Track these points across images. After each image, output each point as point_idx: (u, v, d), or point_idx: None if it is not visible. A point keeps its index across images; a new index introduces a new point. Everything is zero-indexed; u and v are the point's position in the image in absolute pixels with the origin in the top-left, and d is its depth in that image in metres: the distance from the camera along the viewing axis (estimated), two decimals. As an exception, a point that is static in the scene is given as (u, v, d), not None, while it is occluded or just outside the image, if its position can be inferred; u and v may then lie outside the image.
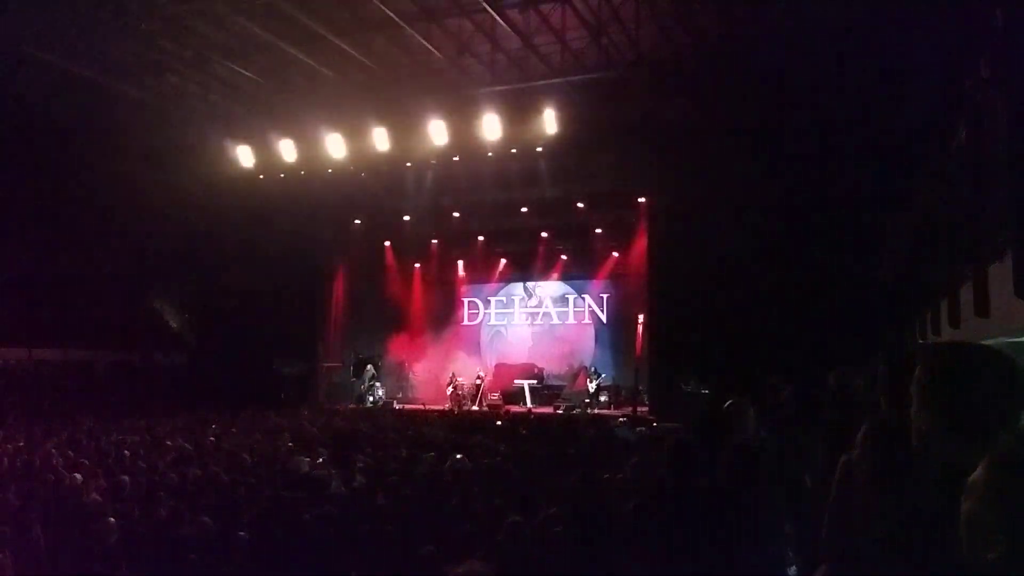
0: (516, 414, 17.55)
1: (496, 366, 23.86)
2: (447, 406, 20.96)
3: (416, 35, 15.15)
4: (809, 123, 14.10)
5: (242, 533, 5.36)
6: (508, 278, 24.99)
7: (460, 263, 25.34)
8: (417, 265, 25.41)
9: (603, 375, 21.04)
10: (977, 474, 1.39)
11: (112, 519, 5.67)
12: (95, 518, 5.70)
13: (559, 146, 17.65)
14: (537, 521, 5.21)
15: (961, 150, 6.46)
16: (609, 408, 19.92)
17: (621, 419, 16.48)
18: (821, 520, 2.39)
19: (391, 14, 14.21)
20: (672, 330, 17.30)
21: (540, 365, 23.13)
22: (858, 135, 13.02)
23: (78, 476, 8.02)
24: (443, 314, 25.27)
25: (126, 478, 7.69)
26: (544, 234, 23.30)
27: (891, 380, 2.53)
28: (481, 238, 24.20)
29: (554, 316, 24.39)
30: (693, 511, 3.57)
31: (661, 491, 3.94)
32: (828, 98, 13.20)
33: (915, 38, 9.97)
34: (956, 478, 1.66)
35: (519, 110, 16.75)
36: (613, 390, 20.97)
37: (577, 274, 23.89)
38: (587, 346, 23.45)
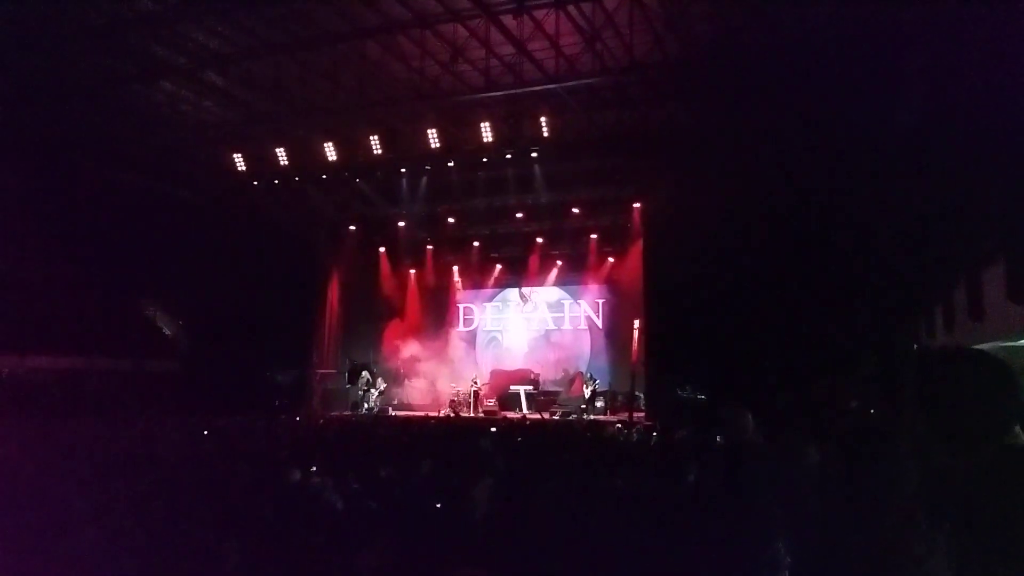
0: (512, 420, 17.51)
1: (492, 372, 23.81)
2: (443, 412, 20.92)
3: (410, 41, 15.16)
4: (803, 128, 14.13)
5: (233, 541, 5.31)
6: (503, 283, 24.96)
7: (455, 268, 25.31)
8: (412, 271, 25.37)
9: (598, 380, 21.01)
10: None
11: (99, 528, 5.62)
12: (84, 526, 5.65)
13: (554, 151, 17.67)
14: (531, 526, 5.18)
15: (955, 156, 6.48)
16: (605, 414, 19.89)
17: (618, 424, 16.48)
18: (813, 523, 2.37)
19: (385, 20, 14.21)
20: (668, 335, 17.32)
21: (536, 371, 23.08)
22: (852, 140, 13.05)
23: (69, 483, 7.96)
24: (438, 320, 25.22)
25: (118, 485, 7.63)
26: (539, 239, 23.31)
27: (885, 384, 2.51)
28: (476, 243, 24.19)
29: (550, 321, 24.35)
30: (685, 513, 3.55)
31: (652, 492, 3.92)
32: (821, 103, 13.22)
33: (908, 43, 10.01)
34: (951, 481, 1.64)
35: (513, 115, 16.78)
36: (609, 395, 20.95)
37: (573, 279, 23.87)
38: (583, 352, 23.43)
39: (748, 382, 12.73)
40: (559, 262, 23.76)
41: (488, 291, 25.24)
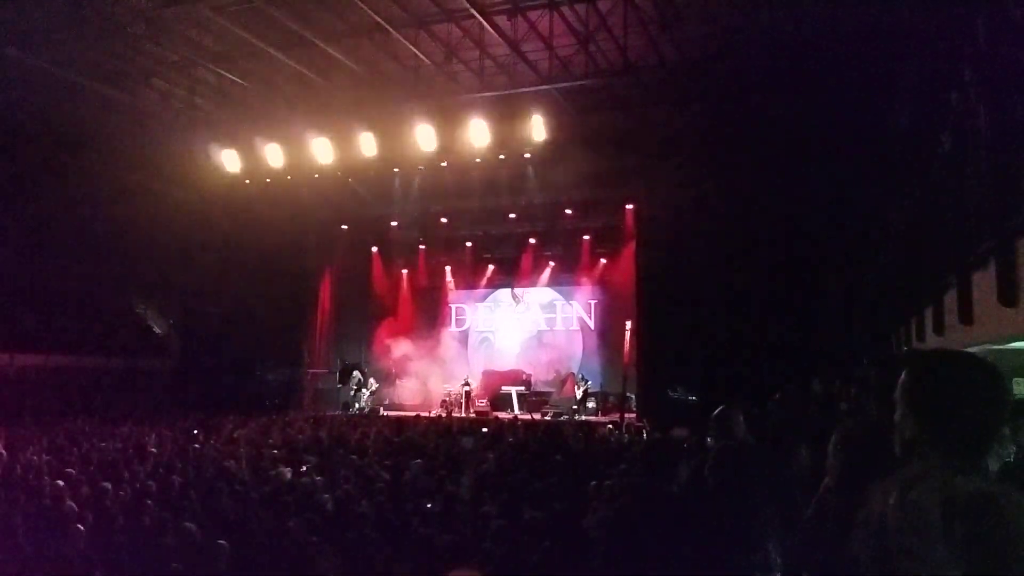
0: (503, 421, 17.52)
1: (484, 373, 23.80)
2: (434, 412, 20.90)
3: (404, 40, 15.14)
4: (796, 131, 14.19)
5: (224, 541, 5.30)
6: (496, 284, 24.94)
7: (448, 269, 25.30)
8: (404, 271, 25.35)
9: (590, 381, 21.04)
10: None
11: (90, 525, 5.60)
12: (71, 525, 5.63)
13: (547, 152, 17.68)
14: (524, 527, 5.18)
15: (945, 158, 6.51)
16: (597, 415, 19.91)
17: (609, 425, 16.50)
18: (806, 525, 2.39)
19: (379, 19, 14.19)
20: (660, 337, 17.35)
21: (528, 371, 23.08)
22: (844, 144, 13.12)
23: (60, 483, 7.92)
24: (430, 320, 25.20)
25: (108, 485, 7.60)
26: (532, 240, 23.34)
27: (878, 386, 2.53)
28: (469, 244, 24.20)
29: (542, 322, 24.36)
30: (675, 514, 3.56)
31: (645, 494, 3.93)
32: (814, 107, 13.28)
33: (900, 48, 10.06)
34: (943, 484, 1.65)
35: (507, 116, 16.76)
36: (601, 396, 20.98)
37: (565, 280, 23.90)
38: (575, 352, 23.44)
39: (739, 383, 12.78)
40: (551, 263, 23.78)
41: (480, 291, 25.23)
